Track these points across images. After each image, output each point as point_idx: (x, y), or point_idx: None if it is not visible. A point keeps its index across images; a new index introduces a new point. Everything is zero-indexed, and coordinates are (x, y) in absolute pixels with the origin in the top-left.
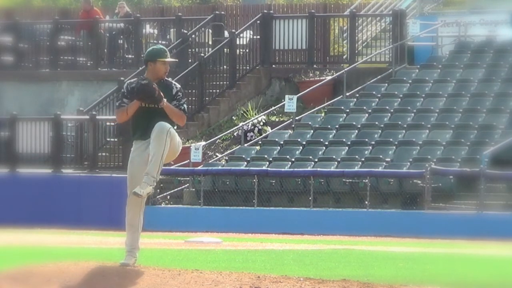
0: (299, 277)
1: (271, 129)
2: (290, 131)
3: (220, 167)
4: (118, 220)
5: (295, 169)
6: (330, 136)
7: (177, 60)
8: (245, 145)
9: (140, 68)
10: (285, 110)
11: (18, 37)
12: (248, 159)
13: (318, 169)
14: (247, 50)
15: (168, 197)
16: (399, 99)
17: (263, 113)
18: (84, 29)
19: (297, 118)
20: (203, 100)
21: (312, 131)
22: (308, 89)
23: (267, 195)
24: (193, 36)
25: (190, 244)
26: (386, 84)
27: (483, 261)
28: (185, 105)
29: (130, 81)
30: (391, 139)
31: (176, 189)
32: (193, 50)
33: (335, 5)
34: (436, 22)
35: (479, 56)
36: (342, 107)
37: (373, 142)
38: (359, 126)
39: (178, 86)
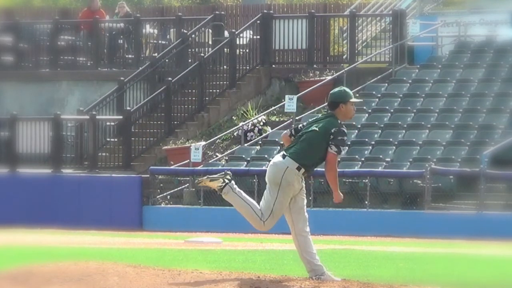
0: (299, 277)
1: (271, 129)
2: None
3: (220, 167)
4: (118, 220)
5: None
6: None
7: (362, 100)
8: (245, 145)
9: (140, 68)
10: (285, 110)
11: (18, 37)
12: (248, 159)
13: (318, 169)
14: (247, 50)
15: (168, 197)
16: (399, 99)
17: (263, 113)
18: (85, 28)
19: (297, 118)
20: (203, 100)
21: None
22: (308, 89)
23: None
24: (193, 36)
25: (190, 244)
26: (386, 84)
27: (483, 261)
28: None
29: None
30: (391, 139)
31: (176, 189)
32: (193, 50)
33: (335, 5)
34: (436, 22)
35: (479, 56)
36: None
37: (373, 142)
38: (359, 126)
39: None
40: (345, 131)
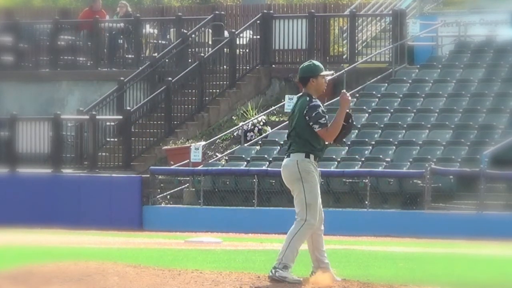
0: (299, 277)
1: (271, 129)
2: None
3: (220, 167)
4: (118, 220)
5: None
6: None
7: (333, 72)
8: (245, 145)
9: (140, 68)
10: (285, 110)
11: (18, 37)
12: (248, 159)
13: (318, 169)
14: (247, 50)
15: (168, 197)
16: (399, 99)
17: (263, 113)
18: (86, 28)
19: None
20: (203, 100)
21: None
22: None
23: (267, 195)
24: (193, 36)
25: (190, 244)
26: (386, 84)
27: (483, 261)
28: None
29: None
30: (391, 139)
31: (176, 189)
32: (193, 50)
33: (335, 5)
34: (436, 22)
35: (479, 56)
36: None
37: (373, 142)
38: (359, 126)
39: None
40: (315, 103)
